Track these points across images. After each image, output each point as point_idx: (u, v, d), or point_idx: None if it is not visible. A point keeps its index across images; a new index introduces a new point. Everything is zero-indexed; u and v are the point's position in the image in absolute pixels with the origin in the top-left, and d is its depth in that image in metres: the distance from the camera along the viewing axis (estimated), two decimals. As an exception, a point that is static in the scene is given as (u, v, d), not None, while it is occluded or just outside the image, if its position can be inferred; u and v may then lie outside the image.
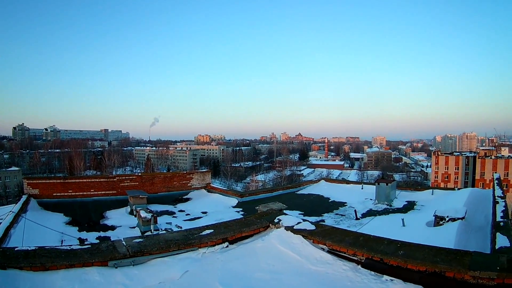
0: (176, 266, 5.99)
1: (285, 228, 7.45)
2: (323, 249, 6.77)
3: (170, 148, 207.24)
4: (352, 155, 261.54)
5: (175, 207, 19.45)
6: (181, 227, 13.94)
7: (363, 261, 6.20)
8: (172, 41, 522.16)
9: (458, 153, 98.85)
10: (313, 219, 15.17)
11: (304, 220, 7.73)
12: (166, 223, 15.61)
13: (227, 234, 7.05)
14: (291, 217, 7.99)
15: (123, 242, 6.13)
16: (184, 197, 21.63)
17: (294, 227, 7.35)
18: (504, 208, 12.55)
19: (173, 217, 17.42)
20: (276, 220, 7.75)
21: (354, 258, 6.37)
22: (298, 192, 23.30)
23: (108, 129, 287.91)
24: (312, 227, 7.33)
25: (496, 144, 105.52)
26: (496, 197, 14.53)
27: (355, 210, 17.46)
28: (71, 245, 6.04)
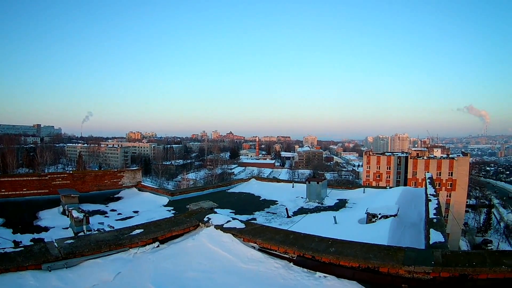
0: (109, 267, 6.86)
1: (215, 227, 8.77)
2: (254, 248, 7.98)
3: (101, 145, 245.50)
4: (283, 154, 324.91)
5: (107, 206, 22.83)
6: (113, 227, 15.97)
7: (295, 258, 7.36)
8: (105, 36, 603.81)
9: (390, 153, 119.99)
10: (245, 217, 18.16)
11: (234, 219, 9.19)
12: (99, 223, 18.11)
13: (157, 233, 8.23)
14: (221, 216, 9.47)
15: (55, 244, 7.08)
16: (115, 196, 25.73)
17: (224, 226, 8.76)
18: (436, 206, 15.38)
19: (105, 216, 20.27)
20: (205, 219, 9.15)
21: (285, 256, 7.54)
22: (229, 191, 28.60)
23: (40, 125, 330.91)
24: (242, 226, 8.77)
25: (429, 145, 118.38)
26: (429, 195, 17.52)
27: (286, 208, 20.76)
28: (4, 248, 6.79)
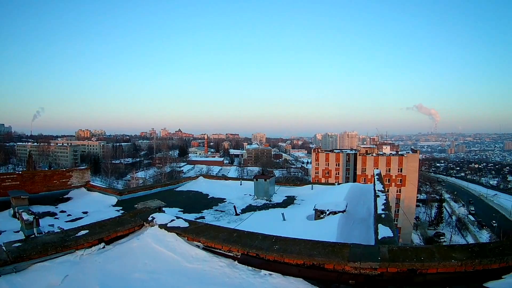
0: (56, 270, 6.72)
1: (159, 226, 8.71)
2: (198, 246, 7.97)
3: (51, 144, 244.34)
4: (232, 151, 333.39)
5: (57, 207, 22.55)
6: (63, 229, 14.61)
7: (239, 257, 7.39)
8: (53, 31, 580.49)
9: (339, 151, 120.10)
10: (193, 216, 18.36)
11: (178, 218, 9.14)
12: (49, 225, 17.88)
13: (103, 234, 8.09)
14: (165, 215, 9.40)
15: (3, 247, 6.91)
16: (64, 196, 25.31)
17: (168, 225, 8.70)
18: (385, 201, 15.78)
19: (55, 218, 20.13)
20: (150, 218, 9.08)
21: (230, 254, 7.55)
22: (177, 189, 28.61)
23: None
24: (186, 224, 8.74)
25: (378, 142, 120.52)
26: (377, 191, 17.95)
27: (234, 206, 21.03)
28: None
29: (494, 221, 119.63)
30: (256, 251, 7.11)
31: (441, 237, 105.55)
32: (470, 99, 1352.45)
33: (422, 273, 6.29)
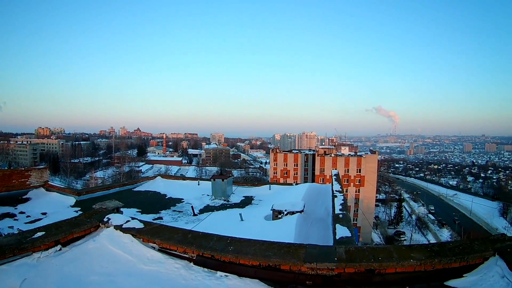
0: (14, 274, 6.59)
1: (114, 227, 8.56)
2: (154, 248, 7.89)
3: (11, 142, 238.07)
4: (191, 151, 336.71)
5: (16, 208, 22.07)
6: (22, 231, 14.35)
7: (194, 258, 7.34)
8: (15, 26, 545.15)
9: (297, 151, 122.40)
10: (151, 216, 18.36)
11: (133, 218, 8.97)
12: (8, 227, 17.56)
13: (59, 235, 7.88)
14: (120, 216, 9.26)
15: None
16: (23, 197, 24.61)
17: (123, 226, 8.56)
18: (342, 201, 16.14)
19: (15, 219, 19.78)
20: (105, 219, 8.89)
21: (185, 255, 7.49)
22: (135, 189, 28.43)
23: None
24: (141, 225, 8.62)
25: (336, 143, 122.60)
26: (335, 191, 18.40)
27: (192, 206, 21.05)
28: None
29: (455, 216, 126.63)
30: (211, 253, 7.06)
31: (401, 236, 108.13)
32: (430, 103, 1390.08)
33: (381, 273, 6.32)
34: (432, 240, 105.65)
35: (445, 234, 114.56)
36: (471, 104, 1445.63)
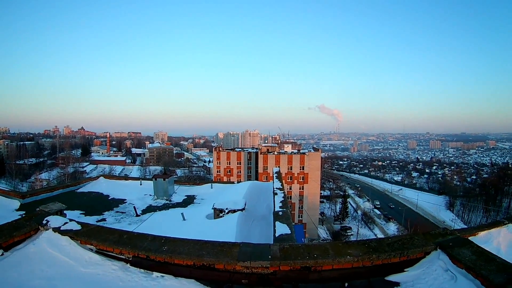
0: None
1: (53, 230, 8.37)
2: (92, 250, 7.79)
3: None
4: (134, 150, 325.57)
5: None
6: None
7: (130, 259, 7.32)
8: None
9: (240, 149, 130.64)
10: (94, 218, 18.02)
11: (71, 220, 8.83)
12: None
13: (0, 240, 7.67)
14: (59, 218, 9.04)
15: None
16: None
17: (61, 228, 8.39)
18: (283, 199, 16.45)
19: None
20: (44, 222, 8.64)
21: (121, 257, 7.45)
22: (78, 191, 27.06)
23: None
24: (78, 227, 8.50)
25: (279, 141, 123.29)
26: (275, 189, 18.87)
27: (134, 207, 20.75)
28: None
29: (401, 208, 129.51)
30: (146, 253, 7.04)
31: (348, 231, 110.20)
32: (374, 101, 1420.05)
33: (317, 270, 6.40)
34: (379, 234, 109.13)
35: (392, 228, 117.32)
36: (415, 102, 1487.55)
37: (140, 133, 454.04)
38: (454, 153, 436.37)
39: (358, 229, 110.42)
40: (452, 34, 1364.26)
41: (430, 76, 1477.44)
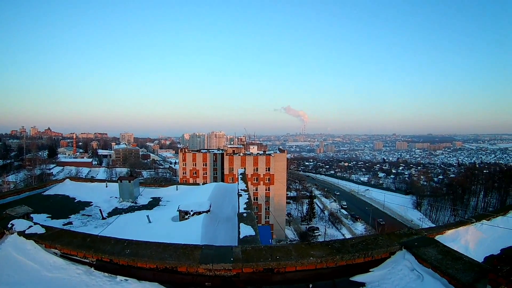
0: None
1: (18, 234, 8.27)
2: (56, 254, 7.71)
3: None
4: (100, 152, 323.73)
5: None
6: None
7: (94, 263, 7.27)
8: None
9: (206, 150, 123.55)
10: (61, 221, 17.87)
11: (35, 223, 8.79)
12: None
13: None
14: (23, 221, 8.97)
15: None
16: None
17: (26, 232, 8.32)
18: (247, 200, 16.92)
19: None
20: (9, 225, 8.56)
21: (86, 260, 7.39)
22: (45, 193, 26.40)
23: None
24: (43, 231, 8.40)
25: (245, 142, 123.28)
26: (240, 191, 19.36)
27: (100, 210, 20.68)
28: None
29: (368, 208, 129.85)
30: (109, 256, 7.02)
31: (315, 231, 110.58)
32: (340, 102, 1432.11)
33: (280, 272, 6.45)
34: (347, 234, 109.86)
35: (360, 228, 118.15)
36: (382, 104, 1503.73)
37: (106, 134, 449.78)
38: (420, 153, 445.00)
39: (325, 229, 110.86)
40: (419, 35, 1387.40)
41: (395, 77, 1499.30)
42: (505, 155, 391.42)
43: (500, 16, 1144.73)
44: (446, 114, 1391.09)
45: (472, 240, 13.38)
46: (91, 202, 23.25)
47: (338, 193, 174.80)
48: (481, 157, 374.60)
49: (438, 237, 11.93)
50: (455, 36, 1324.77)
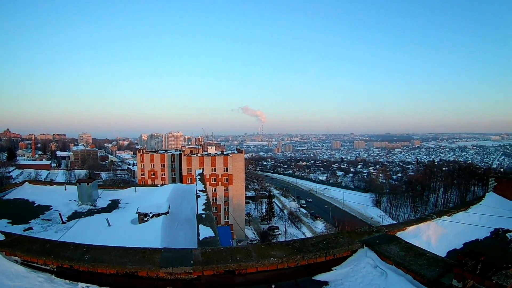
0: None
1: None
2: (17, 261, 7.42)
3: None
4: (59, 153, 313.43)
5: None
6: None
7: (55, 270, 7.01)
8: None
9: (164, 151, 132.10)
10: (21, 227, 17.59)
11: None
12: None
13: None
14: None
15: None
16: None
17: None
18: (205, 201, 16.73)
19: None
20: None
21: (46, 267, 7.10)
22: (4, 198, 26.19)
23: None
24: (2, 237, 8.10)
25: (203, 143, 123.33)
26: (198, 191, 19.13)
27: (59, 214, 20.38)
28: None
29: (327, 206, 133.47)
30: (69, 263, 6.82)
31: (275, 230, 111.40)
32: (298, 102, 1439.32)
33: (241, 273, 6.43)
34: (307, 233, 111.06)
35: (320, 226, 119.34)
36: (339, 103, 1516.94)
37: (65, 135, 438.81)
38: (379, 152, 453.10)
39: (285, 228, 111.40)
40: (373, 34, 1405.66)
41: (352, 76, 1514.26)
42: (464, 153, 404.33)
43: (459, 15, 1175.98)
44: (404, 113, 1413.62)
45: (434, 235, 13.64)
46: (51, 206, 22.78)
47: (299, 195, 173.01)
48: (439, 155, 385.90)
49: (399, 234, 12.11)
50: (411, 36, 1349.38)
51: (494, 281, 4.90)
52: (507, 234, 15.19)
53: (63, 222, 19.48)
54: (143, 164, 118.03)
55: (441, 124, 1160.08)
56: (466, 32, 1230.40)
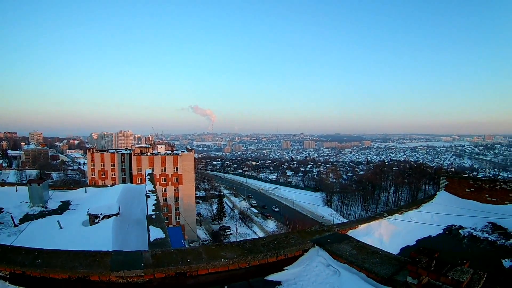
0: None
1: None
2: None
3: None
4: (10, 152, 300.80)
5: None
6: None
7: (8, 276, 6.74)
8: None
9: (114, 150, 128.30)
10: None
11: None
12: None
13: None
14: None
15: None
16: None
17: None
18: (155, 202, 16.87)
19: None
20: None
21: (0, 274, 6.81)
22: None
23: None
24: None
25: (153, 142, 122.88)
26: (148, 192, 19.32)
27: (11, 216, 19.76)
28: None
29: (276, 207, 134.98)
30: (21, 268, 6.57)
31: (227, 230, 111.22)
32: (247, 102, 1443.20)
33: (193, 275, 6.45)
34: (259, 232, 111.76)
35: (271, 225, 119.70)
36: (289, 103, 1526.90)
37: (16, 133, 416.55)
38: (329, 152, 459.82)
39: (236, 228, 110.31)
40: (325, 36, 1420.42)
41: (301, 76, 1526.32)
42: (414, 153, 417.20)
43: (417, 15, 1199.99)
44: (354, 114, 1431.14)
45: (386, 233, 13.94)
46: (2, 208, 22.00)
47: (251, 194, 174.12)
48: (390, 155, 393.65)
49: (351, 232, 12.34)
50: (358, 37, 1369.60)
51: (450, 277, 5.05)
52: (460, 231, 15.78)
53: (15, 225, 18.92)
54: (94, 164, 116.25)
55: (392, 125, 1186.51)
56: (418, 33, 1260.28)
